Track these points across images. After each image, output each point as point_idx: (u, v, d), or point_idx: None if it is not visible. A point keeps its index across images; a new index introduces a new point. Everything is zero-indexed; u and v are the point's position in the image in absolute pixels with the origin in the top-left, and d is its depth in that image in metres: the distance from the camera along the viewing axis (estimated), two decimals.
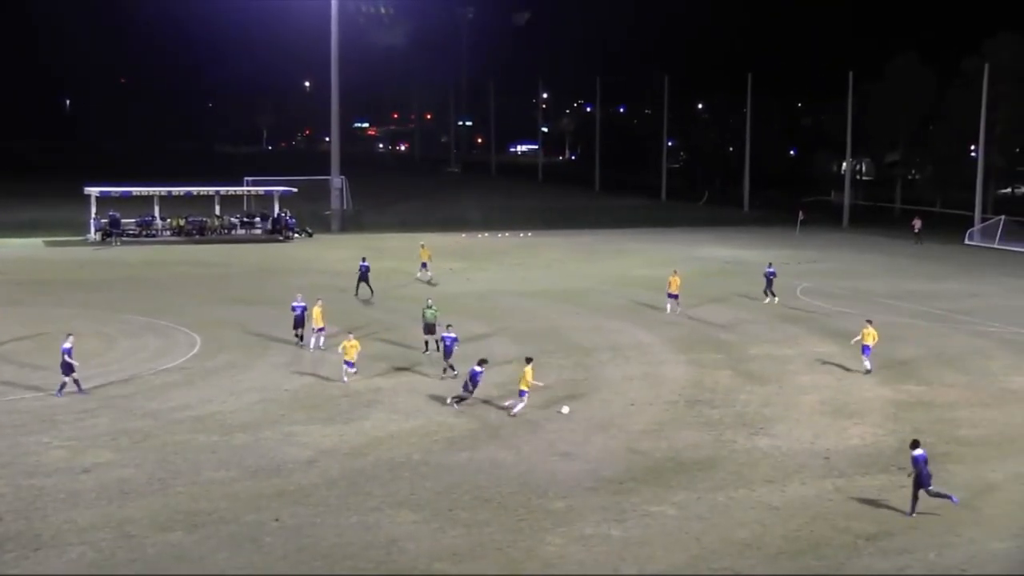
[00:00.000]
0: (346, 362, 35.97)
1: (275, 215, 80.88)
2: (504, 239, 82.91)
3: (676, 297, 49.86)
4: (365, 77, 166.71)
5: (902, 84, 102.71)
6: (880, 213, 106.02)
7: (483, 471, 27.54)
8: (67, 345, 33.65)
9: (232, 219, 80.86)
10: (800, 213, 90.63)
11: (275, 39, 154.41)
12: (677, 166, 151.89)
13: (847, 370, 38.99)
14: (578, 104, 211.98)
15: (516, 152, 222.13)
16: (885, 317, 50.04)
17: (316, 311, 40.74)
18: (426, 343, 40.46)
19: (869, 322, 39.52)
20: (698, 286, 55.33)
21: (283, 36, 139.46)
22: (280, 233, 79.20)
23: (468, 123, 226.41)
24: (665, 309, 49.86)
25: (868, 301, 54.64)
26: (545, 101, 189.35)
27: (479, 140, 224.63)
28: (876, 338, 38.93)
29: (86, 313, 47.10)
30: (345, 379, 35.75)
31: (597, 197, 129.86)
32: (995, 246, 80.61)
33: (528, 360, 33.52)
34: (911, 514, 24.84)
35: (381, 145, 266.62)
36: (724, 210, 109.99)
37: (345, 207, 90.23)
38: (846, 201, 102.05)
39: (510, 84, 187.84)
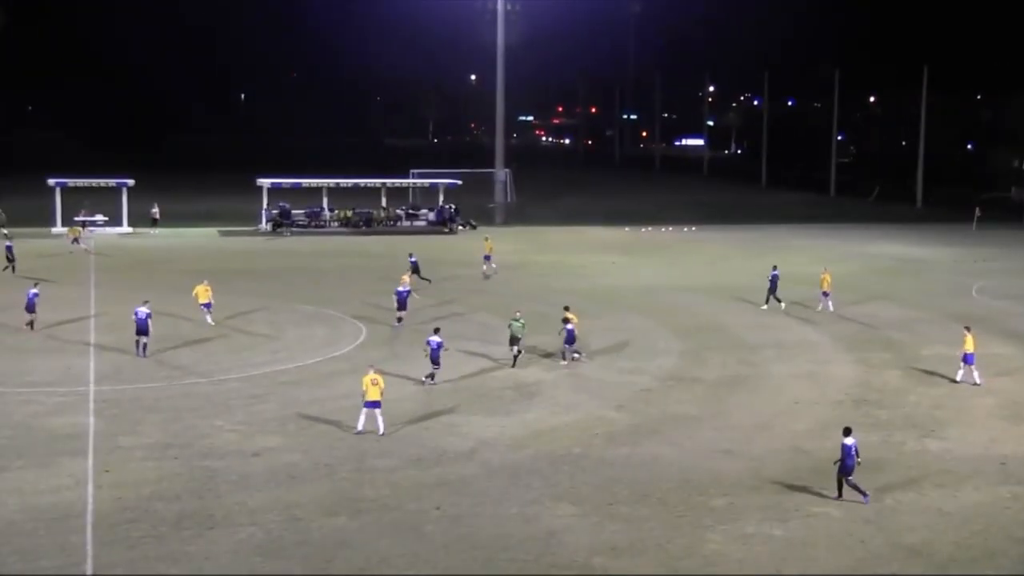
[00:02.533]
0: (366, 403, 29.52)
1: (440, 207, 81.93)
2: (667, 233, 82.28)
3: (827, 295, 48.62)
4: (530, 71, 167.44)
5: None
6: None
7: (643, 466, 27.36)
8: (146, 311, 37.49)
9: (398, 211, 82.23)
10: (977, 210, 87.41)
11: (442, 33, 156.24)
12: (846, 161, 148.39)
13: None
14: (745, 98, 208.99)
15: (681, 146, 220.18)
16: None
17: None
18: (514, 358, 37.48)
19: (968, 329, 36.51)
20: (867, 284, 53.92)
21: (450, 30, 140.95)
22: (445, 225, 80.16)
23: (633, 116, 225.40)
24: (816, 307, 48.63)
25: None
26: (711, 95, 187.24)
27: (644, 134, 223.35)
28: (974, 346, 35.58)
29: (256, 302, 48.49)
30: (360, 427, 29.55)
31: (763, 192, 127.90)
32: None
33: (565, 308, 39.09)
34: (837, 497, 24.97)
35: (545, 138, 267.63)
36: (895, 206, 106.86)
37: (509, 200, 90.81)
38: None
39: (676, 78, 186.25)
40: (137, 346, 37.83)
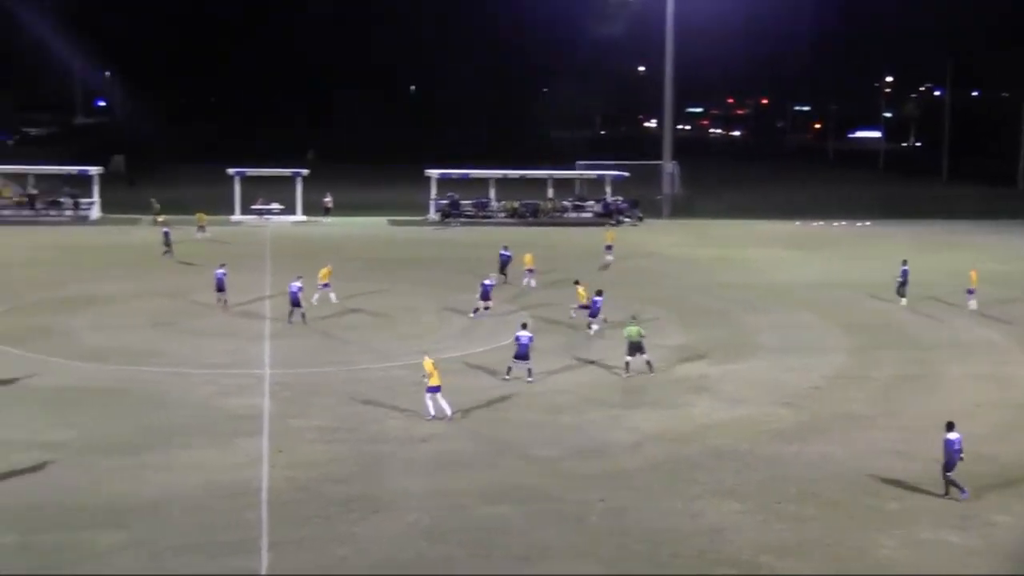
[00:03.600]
0: (429, 388, 29.62)
1: (606, 199, 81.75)
2: (839, 228, 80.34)
3: (972, 292, 46.63)
4: (699, 62, 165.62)
5: None
6: None
7: (812, 465, 26.77)
8: (298, 284, 40.99)
9: (564, 203, 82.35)
10: None
11: (610, 24, 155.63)
12: None
13: None
14: (925, 88, 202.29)
15: (855, 138, 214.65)
16: None
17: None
18: (627, 364, 34.93)
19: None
20: None
21: (618, 21, 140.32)
22: (611, 217, 79.94)
23: (805, 108, 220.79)
24: (967, 306, 46.62)
25: None
26: (888, 85, 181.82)
27: (816, 126, 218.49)
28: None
29: (422, 291, 49.17)
30: (432, 412, 29.73)
31: (944, 186, 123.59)
32: None
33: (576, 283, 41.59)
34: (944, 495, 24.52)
35: (713, 130, 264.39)
36: None
37: (676, 192, 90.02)
38: None
39: (851, 68, 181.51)
40: (290, 316, 41.11)
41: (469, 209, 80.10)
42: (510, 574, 20.65)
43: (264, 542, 21.55)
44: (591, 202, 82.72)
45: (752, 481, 25.58)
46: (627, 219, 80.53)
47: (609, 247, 58.42)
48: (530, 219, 79.64)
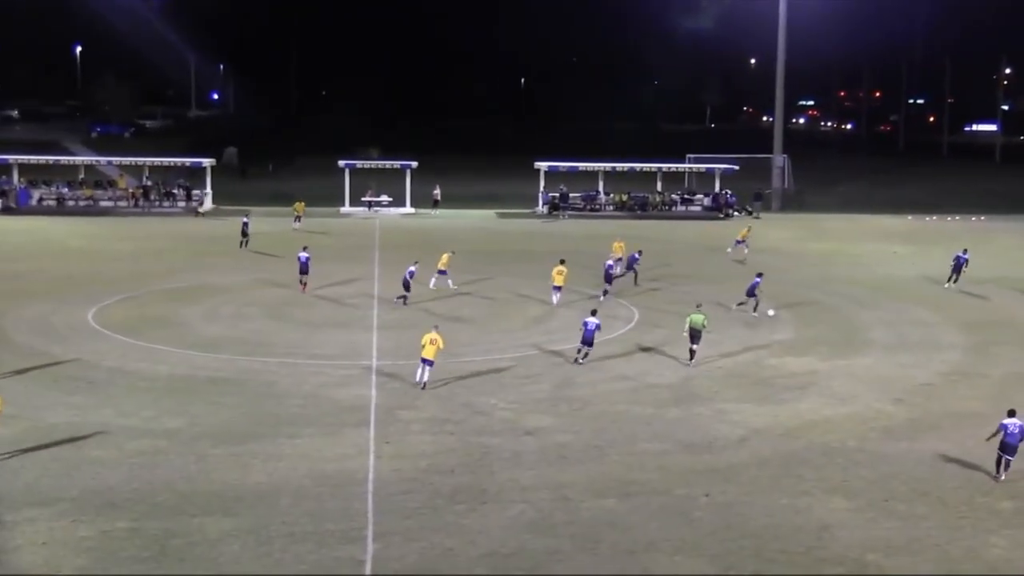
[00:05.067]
0: (423, 359, 31.73)
1: (716, 193, 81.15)
2: (954, 223, 78.57)
3: None
4: (812, 53, 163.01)
5: None
6: None
7: (923, 463, 26.35)
8: (412, 269, 43.28)
9: (673, 196, 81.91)
10: None
11: (736, 16, 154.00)
12: None
13: None
14: None
15: (971, 132, 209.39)
16: None
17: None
18: (691, 352, 35.42)
19: None
20: None
21: (738, 13, 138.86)
22: (720, 211, 79.30)
23: (920, 101, 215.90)
24: None
25: None
26: (1007, 77, 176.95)
27: (931, 119, 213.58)
28: None
29: (529, 284, 49.20)
30: (423, 380, 31.91)
31: None
32: None
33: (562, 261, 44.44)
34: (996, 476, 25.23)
35: (825, 124, 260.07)
36: None
37: (786, 186, 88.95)
38: None
39: (968, 59, 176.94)
40: (397, 297, 43.49)
41: (578, 202, 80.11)
42: (615, 571, 20.69)
43: (370, 532, 21.90)
44: (700, 195, 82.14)
45: (861, 478, 25.27)
46: (737, 212, 79.83)
47: (740, 241, 58.38)
48: (639, 212, 79.40)
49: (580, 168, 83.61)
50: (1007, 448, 25.09)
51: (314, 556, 20.86)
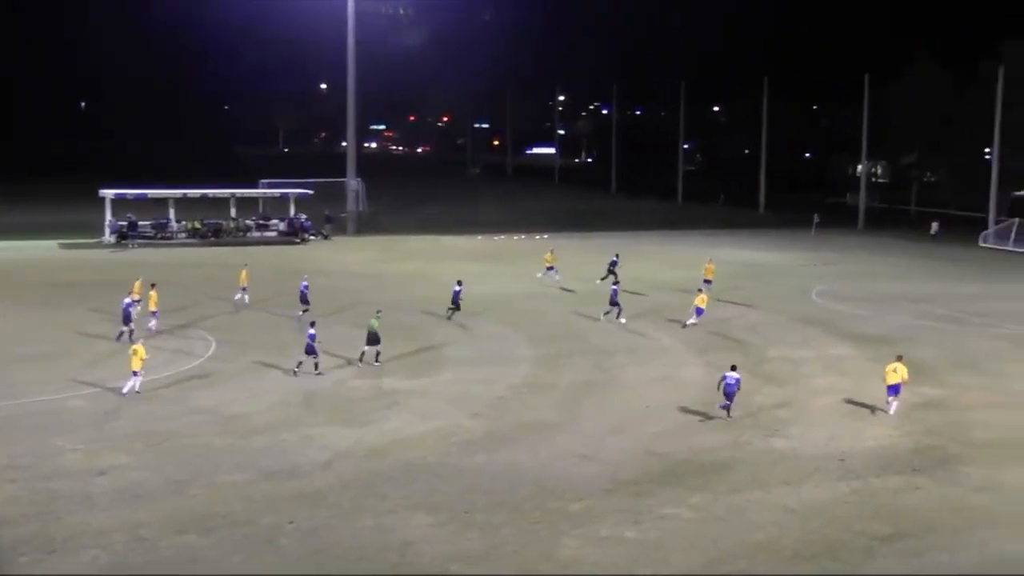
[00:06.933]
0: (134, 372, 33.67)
1: (291, 217, 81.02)
2: (520, 241, 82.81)
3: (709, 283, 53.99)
4: (382, 79, 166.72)
5: (919, 86, 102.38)
6: (895, 216, 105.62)
7: (500, 474, 27.48)
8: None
9: (248, 221, 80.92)
10: (816, 216, 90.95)
11: (292, 41, 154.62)
12: (693, 168, 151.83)
13: (862, 373, 38.77)
14: (595, 106, 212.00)
15: (532, 154, 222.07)
16: (901, 319, 50.14)
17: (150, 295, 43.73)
18: (376, 355, 38.69)
19: (899, 358, 34.32)
20: (715, 288, 55.04)
21: (300, 38, 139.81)
22: (296, 235, 79.26)
23: (484, 125, 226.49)
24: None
25: (884, 303, 54.45)
26: (562, 103, 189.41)
27: (496, 142, 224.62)
28: (906, 377, 33.48)
29: (104, 318, 46.89)
30: (125, 391, 33.71)
31: (613, 199, 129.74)
32: (1009, 248, 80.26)
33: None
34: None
35: (396, 147, 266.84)
36: (740, 212, 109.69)
37: (361, 209, 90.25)
38: (861, 204, 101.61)
39: (527, 86, 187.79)
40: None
41: (148, 230, 77.30)
42: None
43: None
44: (275, 220, 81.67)
45: (443, 493, 25.99)
46: (312, 236, 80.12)
47: (550, 268, 59.11)
48: (212, 239, 77.82)
49: (149, 195, 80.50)
50: (728, 395, 32.10)
51: None
